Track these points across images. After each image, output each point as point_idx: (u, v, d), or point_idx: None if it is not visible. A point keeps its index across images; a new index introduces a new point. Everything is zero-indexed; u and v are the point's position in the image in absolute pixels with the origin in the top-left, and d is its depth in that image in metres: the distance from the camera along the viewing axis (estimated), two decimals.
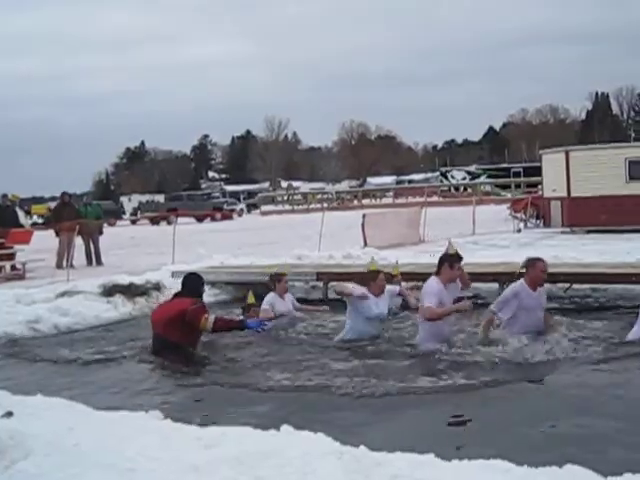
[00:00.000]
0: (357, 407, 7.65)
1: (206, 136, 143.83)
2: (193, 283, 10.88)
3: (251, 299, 12.34)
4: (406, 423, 7.12)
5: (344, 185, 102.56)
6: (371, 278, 10.82)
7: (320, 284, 15.85)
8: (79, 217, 23.20)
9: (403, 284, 12.19)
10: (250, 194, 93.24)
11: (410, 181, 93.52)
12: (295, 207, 73.14)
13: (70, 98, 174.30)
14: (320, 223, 22.78)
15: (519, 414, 7.19)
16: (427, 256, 17.80)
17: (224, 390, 8.62)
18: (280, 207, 76.90)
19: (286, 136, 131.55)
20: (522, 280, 9.99)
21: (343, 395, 8.00)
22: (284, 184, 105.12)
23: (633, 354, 9.15)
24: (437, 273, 10.11)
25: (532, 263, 10.05)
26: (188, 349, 10.23)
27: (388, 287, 11.10)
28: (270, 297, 12.11)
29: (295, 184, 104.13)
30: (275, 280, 12.35)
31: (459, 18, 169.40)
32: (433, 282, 9.94)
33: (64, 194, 24.19)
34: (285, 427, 5.51)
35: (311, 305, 13.47)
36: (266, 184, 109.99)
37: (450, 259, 10.23)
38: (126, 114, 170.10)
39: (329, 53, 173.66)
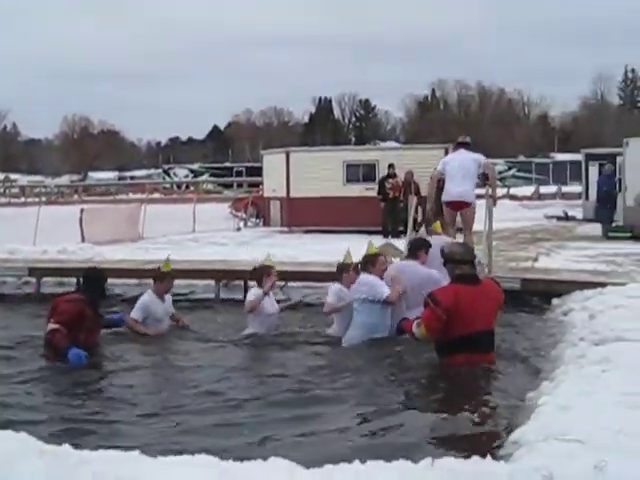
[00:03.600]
0: None
1: None
2: (87, 278, 10.25)
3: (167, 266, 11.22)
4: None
5: (65, 179, 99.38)
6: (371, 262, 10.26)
7: (33, 279, 15.34)
8: None
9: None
10: None
11: (132, 177, 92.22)
12: (12, 200, 70.22)
13: None
14: (36, 217, 22.07)
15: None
16: (143, 252, 17.71)
17: None
18: None
19: (5, 127, 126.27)
20: None
21: None
22: (0, 176, 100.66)
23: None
24: (414, 257, 10.43)
25: None
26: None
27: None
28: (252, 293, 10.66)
29: (13, 176, 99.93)
30: (260, 275, 10.69)
31: (187, 17, 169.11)
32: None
33: None
34: None
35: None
36: None
37: (426, 245, 10.55)
38: None
39: (55, 45, 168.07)
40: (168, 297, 11.17)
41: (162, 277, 11.05)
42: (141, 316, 10.79)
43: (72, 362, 9.00)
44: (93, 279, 10.17)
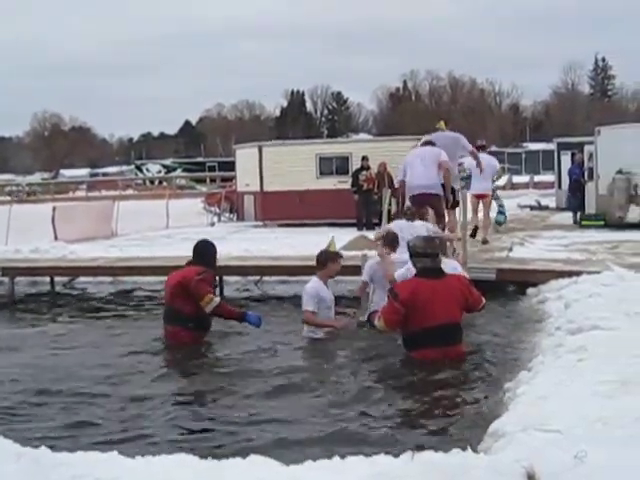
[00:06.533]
0: None
1: None
2: (203, 250, 10.10)
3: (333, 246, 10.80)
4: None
5: (36, 177, 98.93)
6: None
7: (6, 279, 15.23)
8: None
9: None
10: None
11: (105, 174, 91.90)
12: None
13: None
14: (7, 216, 21.91)
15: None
16: (117, 250, 17.62)
17: None
18: None
19: None
20: None
21: None
22: None
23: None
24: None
25: None
26: (197, 321, 9.64)
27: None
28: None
29: None
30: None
31: (159, 9, 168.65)
32: None
33: None
34: None
35: None
36: None
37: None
38: None
39: (23, 40, 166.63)
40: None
41: (334, 258, 10.30)
42: (315, 306, 9.88)
43: (255, 323, 9.72)
44: (204, 251, 10.10)
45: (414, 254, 8.89)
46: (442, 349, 8.37)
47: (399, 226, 11.49)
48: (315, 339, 9.87)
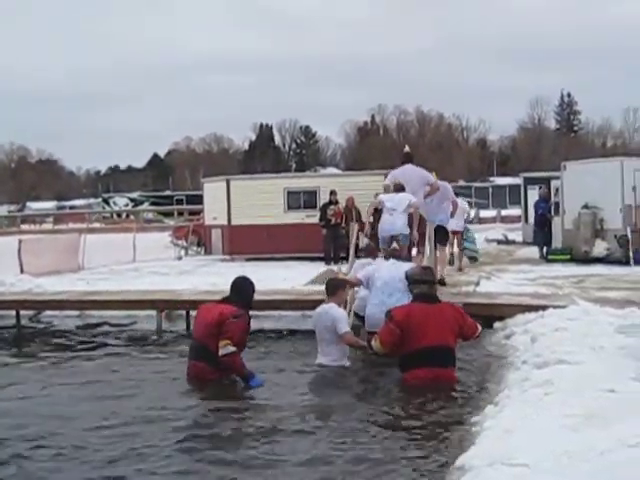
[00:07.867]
0: None
1: None
2: (242, 287, 9.98)
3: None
4: None
5: (2, 210, 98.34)
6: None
7: None
8: None
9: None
10: None
11: (72, 207, 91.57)
12: None
13: None
14: None
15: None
16: (84, 284, 17.51)
17: None
18: None
19: None
20: None
21: None
22: None
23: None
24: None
25: None
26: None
27: None
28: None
29: None
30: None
31: (127, 42, 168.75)
32: None
33: None
34: None
35: None
36: None
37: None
38: None
39: None
40: None
41: (344, 285, 10.84)
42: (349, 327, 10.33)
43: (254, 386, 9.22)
44: (242, 289, 9.97)
45: (412, 281, 9.60)
46: (433, 370, 8.81)
47: (387, 195, 13.81)
48: (323, 367, 9.99)
